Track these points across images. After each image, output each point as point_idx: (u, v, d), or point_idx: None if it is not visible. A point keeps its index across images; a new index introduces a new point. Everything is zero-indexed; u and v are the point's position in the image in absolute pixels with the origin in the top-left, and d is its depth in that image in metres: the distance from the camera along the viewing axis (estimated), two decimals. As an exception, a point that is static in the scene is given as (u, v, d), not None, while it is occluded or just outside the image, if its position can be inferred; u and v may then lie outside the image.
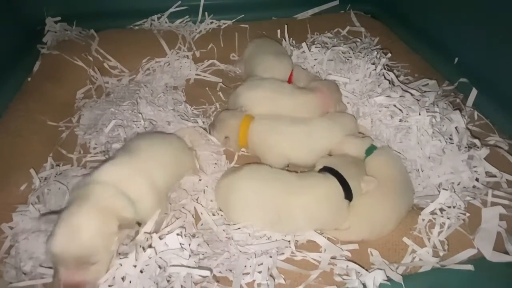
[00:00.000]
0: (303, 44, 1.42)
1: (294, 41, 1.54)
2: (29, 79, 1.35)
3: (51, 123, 1.21)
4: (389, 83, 1.21)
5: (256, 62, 1.31)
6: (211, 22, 1.68)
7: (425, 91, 1.24)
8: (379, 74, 1.24)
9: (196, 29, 1.64)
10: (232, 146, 1.11)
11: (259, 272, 0.77)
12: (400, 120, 1.08)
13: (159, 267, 0.72)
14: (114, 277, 0.67)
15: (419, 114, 1.05)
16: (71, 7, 1.66)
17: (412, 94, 1.15)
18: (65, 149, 1.13)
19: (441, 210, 0.90)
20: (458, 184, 0.98)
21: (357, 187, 0.87)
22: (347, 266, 0.80)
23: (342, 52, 1.37)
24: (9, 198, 0.95)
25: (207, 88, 1.41)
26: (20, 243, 0.83)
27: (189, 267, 0.73)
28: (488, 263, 0.81)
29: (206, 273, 0.73)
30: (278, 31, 1.57)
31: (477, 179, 0.98)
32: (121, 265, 0.68)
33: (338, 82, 1.24)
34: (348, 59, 1.33)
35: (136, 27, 1.69)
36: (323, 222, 0.87)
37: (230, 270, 0.78)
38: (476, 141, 1.05)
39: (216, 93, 1.39)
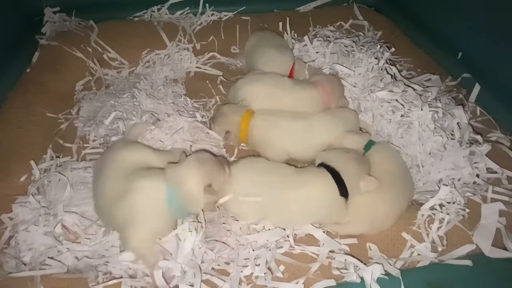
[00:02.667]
0: (305, 37, 1.40)
1: (295, 34, 1.52)
2: (28, 70, 1.35)
3: (50, 115, 1.20)
4: (392, 77, 1.20)
5: (257, 55, 1.30)
6: (212, 14, 1.66)
7: (427, 86, 1.23)
8: (381, 69, 1.22)
9: (196, 21, 1.62)
10: (233, 140, 1.10)
11: (258, 265, 0.77)
12: (402, 115, 1.07)
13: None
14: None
15: (421, 109, 1.04)
16: (69, -3, 1.64)
17: (414, 89, 1.13)
18: (64, 141, 1.13)
19: (441, 205, 0.90)
20: (459, 180, 0.98)
21: (354, 185, 0.85)
22: (345, 260, 0.80)
23: (345, 46, 1.35)
24: (9, 189, 0.95)
25: (207, 81, 1.40)
26: (19, 234, 0.84)
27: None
28: (487, 258, 0.81)
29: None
30: (280, 23, 1.54)
31: (477, 175, 0.98)
32: None
33: (341, 73, 1.22)
34: (350, 53, 1.32)
35: (136, 19, 1.66)
36: (318, 217, 0.87)
37: (229, 263, 0.79)
38: (478, 137, 1.04)
39: (216, 86, 1.38)
